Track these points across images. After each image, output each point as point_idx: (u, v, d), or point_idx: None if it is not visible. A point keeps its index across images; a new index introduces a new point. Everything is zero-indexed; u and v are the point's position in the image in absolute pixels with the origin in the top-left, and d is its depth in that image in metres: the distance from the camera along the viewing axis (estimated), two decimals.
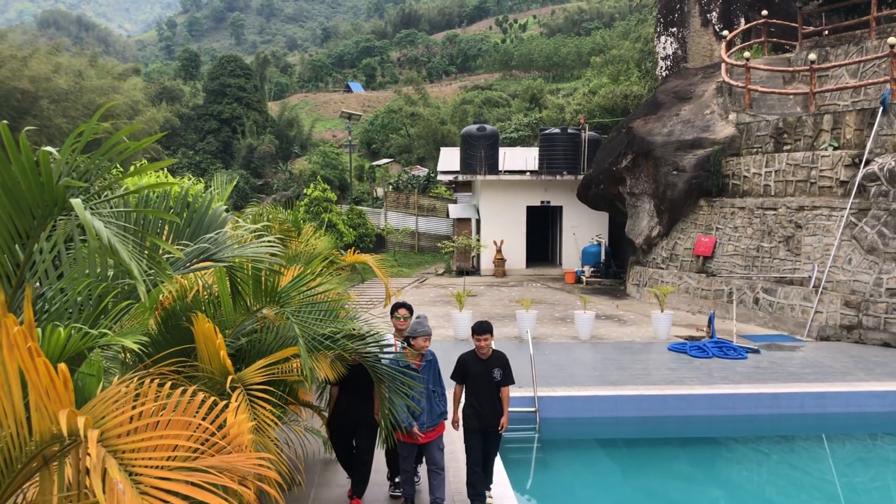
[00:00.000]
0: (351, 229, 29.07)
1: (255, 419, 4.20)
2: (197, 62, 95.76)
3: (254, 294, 4.62)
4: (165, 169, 13.64)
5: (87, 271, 3.23)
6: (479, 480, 6.72)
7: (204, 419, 3.16)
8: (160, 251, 3.04)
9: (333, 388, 6.63)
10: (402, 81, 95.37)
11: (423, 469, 7.00)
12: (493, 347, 6.93)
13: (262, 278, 4.51)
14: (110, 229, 2.34)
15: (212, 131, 61.51)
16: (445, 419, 6.79)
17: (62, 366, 2.26)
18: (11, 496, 2.84)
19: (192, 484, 2.57)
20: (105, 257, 2.69)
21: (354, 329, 5.31)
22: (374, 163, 55.40)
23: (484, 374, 6.74)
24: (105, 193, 2.97)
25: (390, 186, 39.80)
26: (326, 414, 6.92)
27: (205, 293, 5.08)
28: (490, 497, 6.91)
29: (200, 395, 3.31)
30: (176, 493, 2.32)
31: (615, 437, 10.83)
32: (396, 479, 7.17)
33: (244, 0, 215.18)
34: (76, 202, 2.26)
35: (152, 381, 3.15)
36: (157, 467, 2.41)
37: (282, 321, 5.31)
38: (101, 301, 3.03)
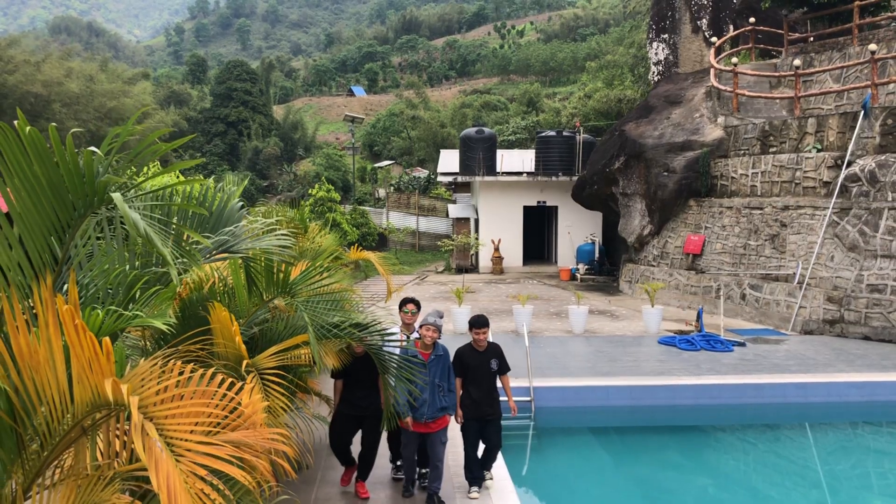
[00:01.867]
0: (354, 228, 29.28)
1: (267, 400, 4.41)
2: (204, 67, 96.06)
3: (266, 285, 4.84)
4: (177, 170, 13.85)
5: (116, 262, 3.44)
6: (475, 465, 6.89)
7: (222, 399, 3.36)
8: (185, 237, 3.23)
9: (338, 382, 6.67)
10: (403, 86, 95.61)
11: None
12: (489, 340, 7.11)
13: (275, 270, 4.72)
14: (145, 221, 2.56)
15: (218, 134, 61.76)
16: (449, 414, 6.79)
17: (106, 339, 2.47)
18: (51, 465, 3.05)
19: (214, 457, 2.77)
20: (141, 246, 2.89)
21: (359, 319, 5.50)
22: (376, 164, 55.61)
23: (482, 365, 6.86)
24: (131, 191, 3.17)
25: (392, 187, 40.03)
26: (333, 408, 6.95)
27: (220, 284, 5.29)
28: (490, 478, 7.05)
29: (220, 376, 3.52)
30: (206, 455, 2.53)
31: (606, 425, 11.02)
32: (398, 463, 7.29)
33: (250, 6, 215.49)
34: (116, 196, 2.47)
35: (176, 361, 3.36)
36: (186, 432, 2.62)
37: (291, 311, 5.52)
38: (131, 288, 3.24)
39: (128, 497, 3.21)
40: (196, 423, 2.79)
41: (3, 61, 40.79)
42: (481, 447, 7.04)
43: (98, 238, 3.51)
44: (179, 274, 3.20)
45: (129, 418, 3.43)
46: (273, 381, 4.69)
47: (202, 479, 2.61)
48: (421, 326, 6.64)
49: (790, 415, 11.20)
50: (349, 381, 6.62)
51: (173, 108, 64.47)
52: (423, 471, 7.07)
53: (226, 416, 3.29)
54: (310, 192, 29.20)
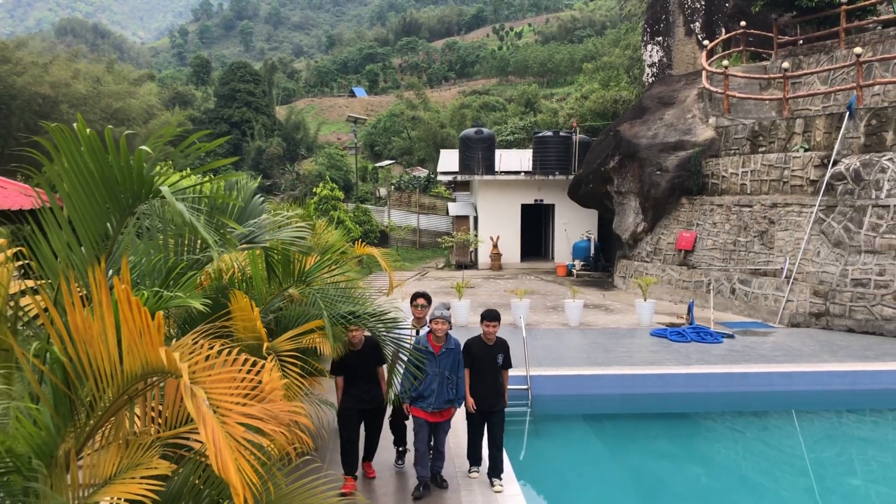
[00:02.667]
0: (357, 225, 29.58)
1: (285, 379, 4.72)
2: (208, 68, 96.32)
3: (284, 274, 5.14)
4: (188, 169, 14.21)
5: (152, 250, 3.75)
6: (478, 449, 7.12)
7: (247, 374, 3.67)
8: (217, 222, 3.51)
9: (339, 379, 6.71)
10: (403, 87, 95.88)
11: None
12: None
13: (292, 260, 5.02)
14: (190, 212, 2.86)
15: (222, 134, 62.02)
16: (455, 407, 6.88)
17: (158, 313, 2.78)
18: (100, 430, 3.36)
19: (244, 424, 3.09)
20: (178, 234, 3.21)
21: (370, 308, 5.79)
22: (377, 164, 55.88)
23: (487, 357, 6.96)
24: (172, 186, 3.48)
25: (392, 186, 40.34)
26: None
27: (238, 275, 5.60)
28: (501, 485, 6.98)
29: (244, 356, 3.83)
30: (241, 416, 2.84)
31: (600, 412, 11.31)
32: (400, 449, 7.45)
33: (253, 9, 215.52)
34: (165, 189, 2.77)
35: (203, 341, 3.67)
36: (224, 396, 2.94)
37: (304, 299, 5.83)
38: (169, 273, 3.54)
39: (165, 462, 3.52)
40: (229, 393, 3.10)
41: (12, 63, 40.92)
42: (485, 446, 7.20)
43: (138, 232, 3.81)
44: (220, 254, 3.50)
45: (162, 390, 3.76)
46: (289, 363, 5.00)
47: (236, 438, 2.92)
48: (431, 321, 6.72)
49: (776, 402, 11.48)
50: (350, 376, 6.66)
51: (178, 109, 64.71)
52: (402, 448, 7.40)
53: (253, 388, 3.61)
54: (314, 190, 29.51)
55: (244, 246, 4.11)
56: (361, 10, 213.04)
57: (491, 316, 6.95)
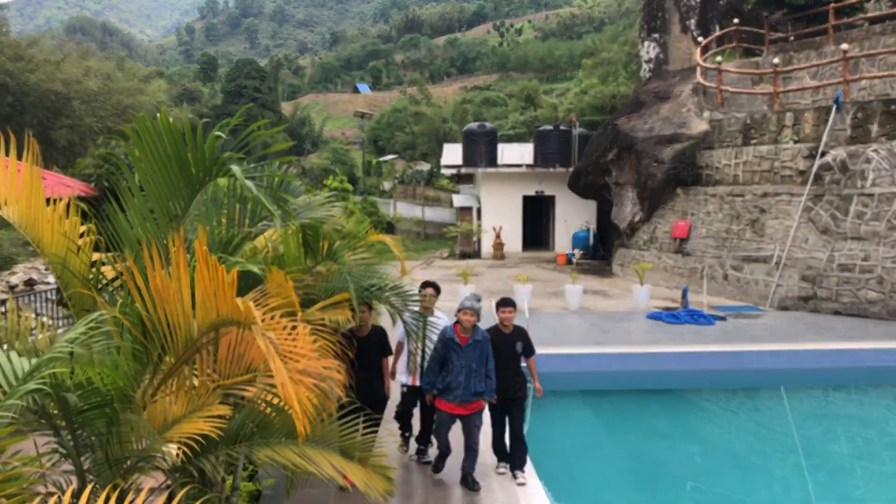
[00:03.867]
0: (366, 216, 30.07)
1: (317, 341, 5.20)
2: (214, 65, 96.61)
3: (315, 251, 5.61)
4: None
5: (209, 225, 4.23)
6: (502, 443, 6.99)
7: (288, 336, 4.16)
8: (276, 196, 3.97)
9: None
10: (406, 82, 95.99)
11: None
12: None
13: (324, 237, 5.50)
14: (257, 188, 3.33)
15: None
16: (484, 400, 6.64)
17: (233, 270, 3.25)
18: (170, 378, 3.85)
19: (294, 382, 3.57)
20: (236, 206, 3.71)
21: (390, 283, 6.24)
22: (381, 158, 56.27)
23: (506, 347, 6.84)
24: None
25: (397, 180, 40.80)
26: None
27: (272, 253, 6.07)
28: (524, 478, 6.86)
29: (285, 320, 4.31)
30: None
31: (598, 388, 11.81)
32: (406, 435, 7.48)
33: (258, 6, 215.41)
34: (236, 168, 3.24)
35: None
36: (281, 341, 3.43)
37: (331, 275, 6.30)
38: (230, 242, 4.02)
39: (225, 406, 4.01)
40: (283, 340, 3.58)
41: (25, 60, 41.19)
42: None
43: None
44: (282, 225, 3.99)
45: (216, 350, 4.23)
46: (319, 331, 5.48)
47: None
48: (460, 311, 6.58)
49: (765, 379, 11.98)
50: (351, 370, 6.51)
51: (186, 105, 65.12)
52: (422, 447, 7.24)
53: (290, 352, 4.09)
54: (325, 183, 29.99)
55: (292, 222, 4.58)
56: (364, 8, 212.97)
57: (505, 302, 6.92)
